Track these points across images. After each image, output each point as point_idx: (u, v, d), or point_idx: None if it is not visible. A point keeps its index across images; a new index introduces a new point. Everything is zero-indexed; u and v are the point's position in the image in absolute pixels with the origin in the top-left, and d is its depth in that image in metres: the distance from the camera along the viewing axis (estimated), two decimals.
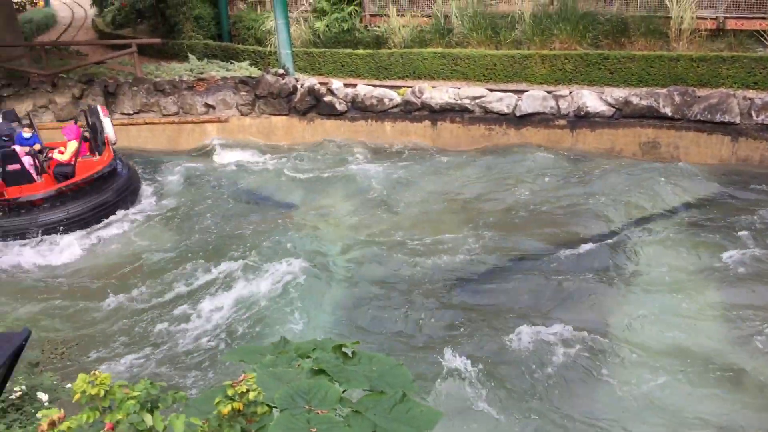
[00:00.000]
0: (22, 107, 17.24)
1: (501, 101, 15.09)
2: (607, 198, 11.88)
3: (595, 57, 15.06)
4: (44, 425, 1.73)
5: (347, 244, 11.06)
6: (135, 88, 17.14)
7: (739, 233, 10.38)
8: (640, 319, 8.43)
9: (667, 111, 13.77)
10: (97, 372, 2.03)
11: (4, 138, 12.35)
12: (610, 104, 14.26)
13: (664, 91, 13.94)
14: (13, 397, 4.06)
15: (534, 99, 14.80)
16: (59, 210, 12.04)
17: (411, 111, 15.82)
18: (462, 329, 8.57)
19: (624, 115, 14.20)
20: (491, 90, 15.43)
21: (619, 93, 14.32)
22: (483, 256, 10.35)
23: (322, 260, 10.40)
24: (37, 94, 17.26)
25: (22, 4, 31.05)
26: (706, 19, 14.96)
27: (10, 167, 11.77)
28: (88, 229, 12.18)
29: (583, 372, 7.57)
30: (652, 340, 8.05)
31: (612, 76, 14.96)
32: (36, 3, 33.44)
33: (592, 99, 14.39)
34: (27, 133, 12.79)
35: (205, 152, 16.19)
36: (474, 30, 16.51)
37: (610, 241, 10.47)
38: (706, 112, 13.42)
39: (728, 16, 14.89)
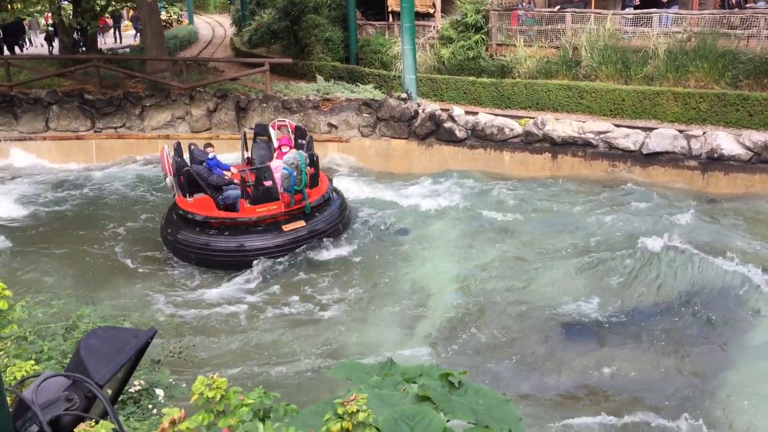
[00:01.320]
0: (162, 117, 18.46)
1: (627, 138, 14.57)
2: (742, 247, 11.11)
3: (734, 97, 14.26)
4: (165, 423, 1.80)
5: (463, 276, 10.98)
6: (264, 104, 17.92)
7: None
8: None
9: None
10: (214, 376, 2.10)
11: (198, 162, 11.99)
12: (747, 148, 13.43)
13: None
14: (132, 390, 4.30)
15: (663, 137, 14.18)
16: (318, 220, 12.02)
17: (531, 142, 15.57)
18: (578, 375, 8.25)
19: (762, 160, 13.31)
20: (617, 125, 14.94)
21: (758, 136, 13.46)
22: (597, 301, 9.93)
23: (440, 291, 10.43)
24: (175, 106, 18.42)
25: (170, 21, 33.32)
26: None
27: (264, 185, 11.38)
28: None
29: None
30: None
31: (751, 118, 14.10)
32: (182, 21, 35.81)
33: (728, 141, 13.61)
34: (212, 155, 12.31)
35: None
36: (603, 63, 16.07)
37: (737, 298, 9.76)
38: None
39: None
